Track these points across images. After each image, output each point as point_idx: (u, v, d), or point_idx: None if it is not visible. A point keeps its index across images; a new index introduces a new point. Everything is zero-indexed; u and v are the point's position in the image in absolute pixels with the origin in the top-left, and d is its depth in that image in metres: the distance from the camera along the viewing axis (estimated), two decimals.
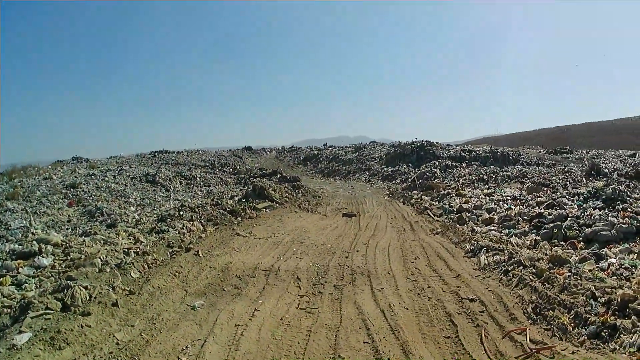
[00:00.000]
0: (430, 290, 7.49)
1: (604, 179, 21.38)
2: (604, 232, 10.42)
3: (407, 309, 6.74)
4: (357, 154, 38.32)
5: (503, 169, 26.87)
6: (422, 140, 34.96)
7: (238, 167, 31.21)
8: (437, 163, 28.76)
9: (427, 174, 25.64)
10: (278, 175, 23.07)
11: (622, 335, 5.22)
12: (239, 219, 13.68)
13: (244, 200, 16.55)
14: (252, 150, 49.27)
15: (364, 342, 5.65)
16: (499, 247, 9.42)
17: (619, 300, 5.85)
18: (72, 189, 17.14)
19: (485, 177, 24.02)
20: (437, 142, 35.13)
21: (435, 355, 5.37)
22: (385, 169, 30.21)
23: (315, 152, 44.07)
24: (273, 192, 17.38)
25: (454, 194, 17.84)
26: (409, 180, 24.42)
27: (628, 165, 26.80)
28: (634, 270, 7.83)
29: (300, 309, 6.89)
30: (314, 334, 5.93)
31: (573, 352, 5.10)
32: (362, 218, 14.82)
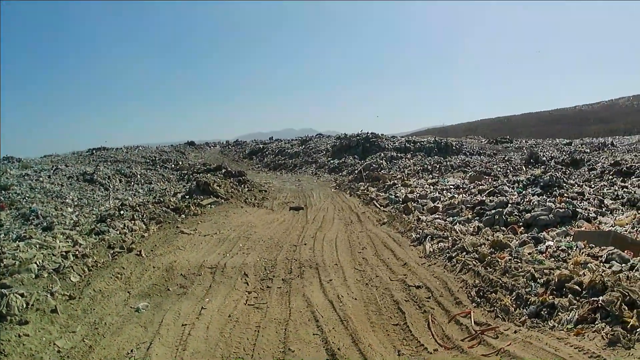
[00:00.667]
0: (378, 279, 7.59)
1: (542, 166, 22.17)
2: (542, 217, 10.83)
3: (355, 299, 6.81)
4: (303, 147, 38.32)
5: (447, 159, 27.44)
6: (368, 132, 35.28)
7: (180, 163, 30.75)
8: (382, 154, 29.13)
9: (373, 165, 25.95)
10: (223, 170, 22.79)
11: (560, 313, 5.47)
12: (183, 216, 13.40)
13: (187, 197, 16.28)
14: (195, 145, 48.58)
15: (314, 334, 5.67)
16: (443, 234, 9.64)
17: (556, 280, 6.10)
18: (3, 191, 16.37)
19: (429, 167, 24.51)
20: (382, 134, 35.52)
21: (384, 343, 5.46)
22: (332, 161, 30.33)
23: (261, 145, 43.87)
24: (218, 188, 17.15)
25: (399, 185, 18.11)
26: (356, 172, 24.58)
27: (564, 153, 27.81)
28: (570, 251, 8.22)
29: (248, 304, 6.82)
30: (263, 329, 5.90)
31: (515, 332, 5.30)
32: (310, 211, 14.87)
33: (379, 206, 14.59)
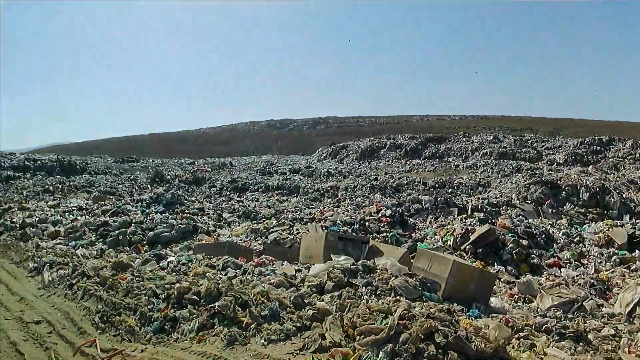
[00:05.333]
0: None
1: (167, 185, 23.03)
2: (165, 234, 11.33)
3: None
4: None
5: (70, 179, 26.32)
6: None
7: None
8: None
9: None
10: None
11: (182, 325, 5.78)
12: None
13: None
14: None
15: None
16: (63, 260, 9.22)
17: (176, 293, 6.46)
18: None
19: (51, 187, 23.16)
20: None
21: None
22: None
23: None
24: None
25: (16, 208, 16.64)
26: None
27: (188, 172, 29.43)
28: (190, 264, 8.83)
29: None
30: None
31: (142, 351, 5.39)
32: None
33: None
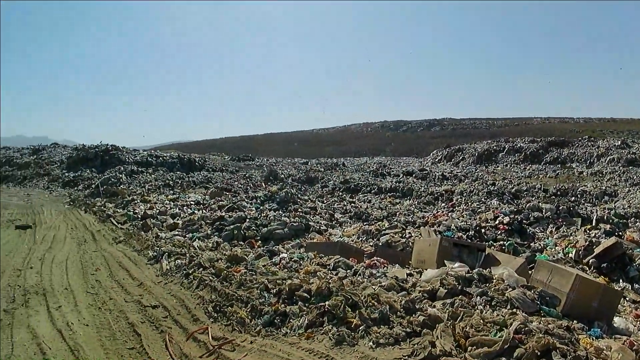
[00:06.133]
0: (112, 302, 7.24)
1: (280, 183, 23.49)
2: (278, 231, 11.48)
3: (87, 325, 6.39)
4: (35, 157, 35.25)
5: (189, 175, 27.48)
6: (107, 144, 33.71)
7: None
8: (122, 168, 28.12)
9: (112, 179, 24.86)
10: None
11: (291, 320, 5.82)
12: None
13: None
14: None
15: None
16: (181, 251, 9.60)
17: (287, 289, 6.52)
18: None
19: (171, 182, 24.29)
20: (123, 147, 34.28)
21: None
22: (67, 174, 28.44)
23: None
24: None
25: (138, 200, 17.60)
26: (93, 186, 23.30)
27: (301, 171, 29.84)
28: (301, 262, 8.87)
29: None
30: None
31: (251, 342, 5.48)
32: (39, 230, 13.61)
33: (115, 223, 13.97)
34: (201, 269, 8.18)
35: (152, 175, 26.83)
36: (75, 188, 24.76)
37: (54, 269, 9.20)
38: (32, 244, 11.55)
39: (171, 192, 21.19)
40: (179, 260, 8.91)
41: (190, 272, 8.14)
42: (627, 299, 8.57)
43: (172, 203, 16.95)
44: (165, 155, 33.86)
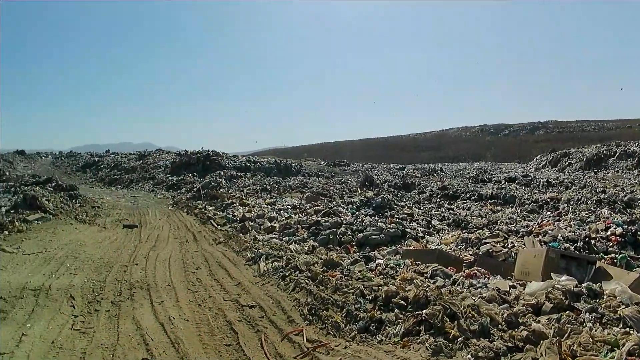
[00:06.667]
0: (211, 300, 7.42)
1: (376, 189, 23.32)
2: (374, 237, 11.35)
3: (187, 320, 6.59)
4: (141, 162, 37.13)
5: (286, 180, 27.95)
6: (208, 150, 34.99)
7: (7, 174, 28.34)
8: (222, 173, 29.02)
9: (212, 183, 25.69)
10: (53, 183, 21.21)
11: (387, 327, 5.71)
12: (6, 232, 12.21)
13: (12, 211, 14.86)
14: (25, 154, 45.09)
15: (143, 359, 5.40)
16: (278, 253, 9.70)
17: (383, 296, 6.41)
18: None
19: (268, 187, 24.77)
20: (223, 152, 35.43)
21: None
22: (170, 178, 29.66)
23: (96, 158, 41.88)
24: (46, 202, 15.87)
25: (237, 204, 18.05)
26: (194, 189, 24.19)
27: (397, 177, 29.52)
28: (398, 269, 8.70)
29: (74, 329, 6.31)
30: (88, 356, 5.46)
31: (346, 347, 5.42)
32: (144, 229, 14.26)
33: (215, 225, 14.37)
34: (297, 271, 8.21)
35: (250, 180, 27.50)
36: (178, 191, 25.76)
37: (157, 266, 9.58)
38: (138, 243, 12.09)
39: (268, 196, 21.57)
40: (276, 263, 9.01)
41: (286, 274, 8.20)
42: None
43: (269, 207, 17.26)
44: (262, 160, 34.68)
